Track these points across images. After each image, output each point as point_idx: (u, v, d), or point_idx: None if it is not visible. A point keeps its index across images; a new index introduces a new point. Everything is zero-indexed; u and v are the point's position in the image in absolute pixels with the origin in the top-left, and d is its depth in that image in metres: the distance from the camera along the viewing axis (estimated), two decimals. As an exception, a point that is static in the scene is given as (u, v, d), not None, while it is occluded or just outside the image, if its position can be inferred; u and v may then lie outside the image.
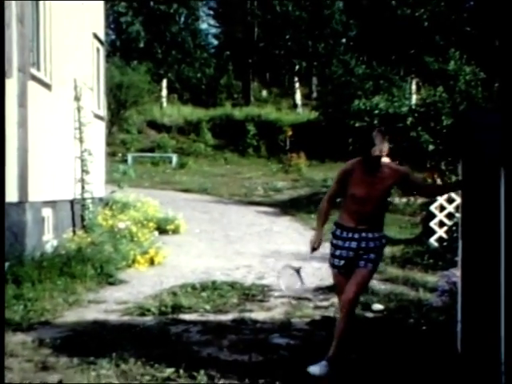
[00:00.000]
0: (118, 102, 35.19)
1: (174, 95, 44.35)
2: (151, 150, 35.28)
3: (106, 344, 7.05)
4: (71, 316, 8.53)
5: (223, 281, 10.80)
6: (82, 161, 13.94)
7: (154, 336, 7.46)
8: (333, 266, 6.57)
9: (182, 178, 28.80)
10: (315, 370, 6.17)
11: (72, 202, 13.67)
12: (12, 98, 10.49)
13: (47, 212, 12.05)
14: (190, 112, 39.58)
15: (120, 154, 33.30)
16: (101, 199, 15.92)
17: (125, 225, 13.45)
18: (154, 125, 38.25)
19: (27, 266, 10.14)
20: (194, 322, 8.20)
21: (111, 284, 10.53)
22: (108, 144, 17.96)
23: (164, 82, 43.34)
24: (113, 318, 8.48)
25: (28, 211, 10.69)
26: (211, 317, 8.56)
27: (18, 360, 6.56)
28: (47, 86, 12.04)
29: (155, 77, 40.20)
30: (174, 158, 33.39)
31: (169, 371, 6.22)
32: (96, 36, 16.32)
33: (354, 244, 6.39)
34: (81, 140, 13.91)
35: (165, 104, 42.21)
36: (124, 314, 8.70)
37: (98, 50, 16.59)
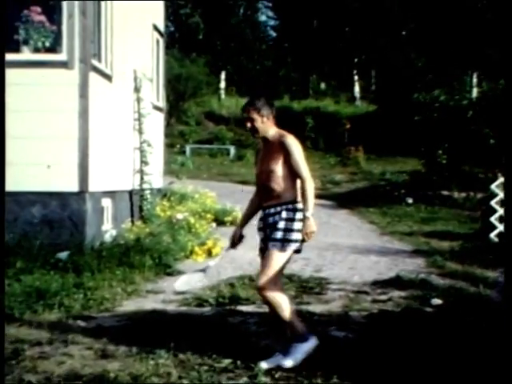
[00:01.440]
0: (177, 93, 35.40)
1: (233, 87, 44.43)
2: (209, 142, 35.41)
3: (164, 334, 7.09)
4: (130, 305, 8.60)
5: (281, 272, 10.77)
6: (141, 152, 14.05)
7: (212, 326, 7.48)
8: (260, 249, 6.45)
9: (240, 170, 28.87)
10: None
11: (131, 193, 13.79)
12: (73, 89, 10.62)
13: (107, 202, 12.17)
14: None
15: (178, 146, 33.48)
16: (159, 190, 16.02)
17: (183, 216, 13.51)
18: (213, 116, 38.38)
19: (87, 255, 10.25)
20: (252, 314, 8.19)
21: (169, 274, 10.59)
22: (166, 135, 18.05)
23: (223, 74, 43.44)
24: (171, 308, 8.53)
25: (88, 201, 10.80)
26: (268, 308, 8.53)
27: (79, 347, 6.62)
28: (108, 77, 12.15)
29: (214, 69, 40.32)
30: (232, 149, 33.48)
31: (226, 362, 6.22)
32: (156, 28, 16.41)
33: (260, 223, 6.30)
34: (140, 131, 14.01)
35: (223, 96, 42.32)
36: (182, 304, 8.74)
37: (157, 41, 16.69)
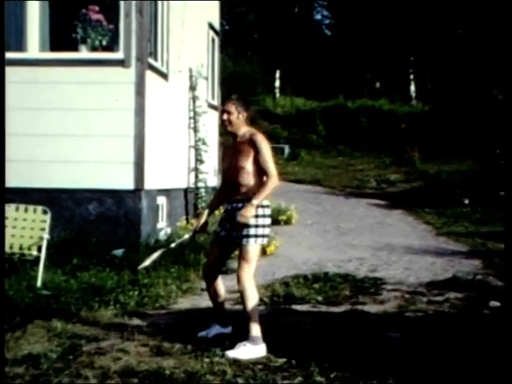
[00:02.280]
0: (232, 92, 35.45)
1: (287, 86, 44.35)
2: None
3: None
4: (184, 303, 8.62)
5: (335, 272, 10.72)
6: (196, 150, 14.11)
7: (267, 325, 7.45)
8: (216, 235, 6.78)
9: (294, 169, 28.78)
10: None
11: (185, 191, 13.84)
12: (130, 87, 10.68)
13: (162, 200, 12.24)
14: (303, 103, 39.48)
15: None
16: (214, 188, 16.04)
17: (237, 214, 13.48)
18: (267, 115, 38.32)
19: (142, 252, 10.29)
20: (306, 313, 8.15)
21: (223, 273, 10.55)
22: (221, 134, 18.04)
23: (277, 73, 43.40)
24: (225, 306, 8.50)
25: (143, 199, 10.87)
26: (323, 308, 8.50)
27: (134, 344, 6.65)
28: (164, 76, 12.21)
29: (268, 67, 40.30)
30: (287, 148, 33.40)
31: (281, 361, 6.20)
32: (211, 26, 16.46)
33: (226, 215, 6.60)
34: (195, 129, 14.08)
35: (278, 95, 42.29)
36: (236, 302, 8.71)
37: (213, 40, 16.74)
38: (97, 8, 10.92)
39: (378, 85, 46.97)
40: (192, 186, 14.00)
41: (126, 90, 10.67)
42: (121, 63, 10.70)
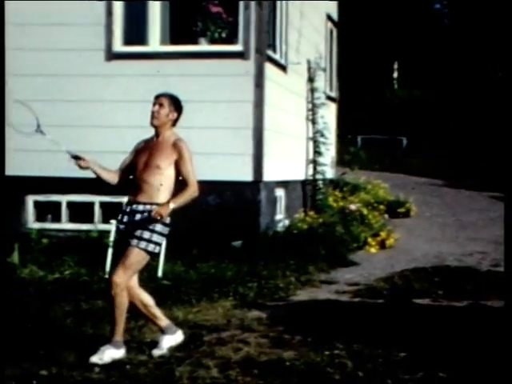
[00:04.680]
0: (350, 83, 35.23)
1: (406, 77, 43.79)
2: (381, 132, 35.05)
3: (339, 324, 7.05)
4: (303, 295, 8.60)
5: (456, 266, 10.50)
6: (315, 142, 14.05)
7: (386, 318, 7.37)
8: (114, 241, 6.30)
9: (413, 161, 28.41)
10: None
11: (303, 183, 13.82)
12: (249, 79, 10.71)
13: (280, 192, 12.24)
14: (422, 94, 38.92)
15: (350, 136, 33.33)
16: (331, 181, 15.98)
17: (356, 207, 13.41)
18: (385, 107, 37.97)
19: (260, 244, 10.34)
20: (427, 306, 8.01)
21: (342, 265, 10.51)
22: (338, 125, 17.96)
23: (395, 64, 42.90)
24: (344, 299, 8.46)
25: (262, 191, 10.87)
26: (444, 302, 8.32)
27: (255, 335, 6.67)
28: (282, 68, 12.19)
29: (387, 59, 39.89)
30: (405, 140, 33.03)
31: (402, 355, 6.10)
32: (330, 17, 16.37)
33: (124, 217, 6.07)
34: (313, 121, 14.02)
35: (396, 86, 41.81)
36: (355, 295, 8.65)
37: (331, 31, 16.64)
38: (216, 1, 10.99)
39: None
40: (310, 178, 13.95)
41: (244, 82, 10.70)
42: (240, 55, 10.73)
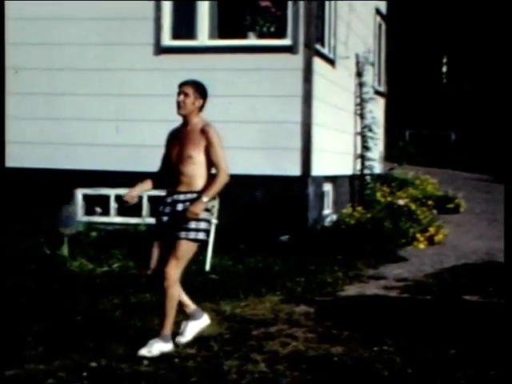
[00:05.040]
0: (398, 77, 34.98)
1: (455, 72, 43.33)
2: (430, 127, 34.73)
3: (387, 320, 7.01)
4: (351, 290, 8.55)
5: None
6: (363, 137, 13.97)
7: (436, 315, 7.30)
8: (155, 232, 6.22)
9: (461, 156, 28.11)
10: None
11: (351, 178, 13.75)
12: (297, 73, 10.67)
13: (328, 187, 12.19)
14: (470, 89, 38.45)
15: (398, 131, 33.09)
16: (379, 175, 15.88)
17: (404, 202, 13.29)
18: (434, 101, 37.61)
19: (308, 238, 10.31)
20: (477, 303, 7.92)
21: (390, 261, 10.43)
22: (386, 120, 17.84)
23: (444, 59, 42.47)
24: (392, 294, 8.40)
25: (310, 185, 10.84)
26: (495, 299, 8.21)
27: (302, 330, 6.65)
28: (331, 62, 12.14)
29: (436, 52, 39.51)
30: (453, 135, 32.70)
31: (452, 352, 6.04)
32: (378, 11, 16.26)
33: (166, 208, 6.07)
34: (362, 116, 13.94)
35: (444, 80, 41.39)
36: (403, 291, 8.58)
37: (379, 25, 16.52)
38: (265, -5, 10.97)
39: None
40: (358, 173, 13.88)
41: (293, 76, 10.67)
42: (288, 49, 10.69)
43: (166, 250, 6.01)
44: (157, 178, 6.30)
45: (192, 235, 5.95)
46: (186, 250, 5.96)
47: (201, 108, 6.20)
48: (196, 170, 6.01)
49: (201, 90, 6.21)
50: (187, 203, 5.97)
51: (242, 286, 8.31)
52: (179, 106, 6.12)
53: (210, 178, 6.06)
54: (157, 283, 6.02)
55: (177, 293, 6.01)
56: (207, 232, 6.09)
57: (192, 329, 6.21)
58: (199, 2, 10.88)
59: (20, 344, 6.08)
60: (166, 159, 6.23)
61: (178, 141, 6.13)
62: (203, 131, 6.04)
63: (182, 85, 6.21)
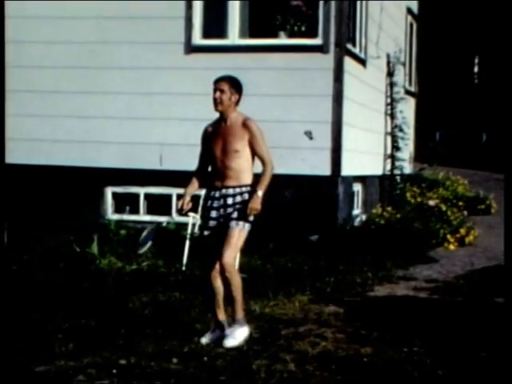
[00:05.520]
0: (429, 78, 34.80)
1: (486, 72, 43.02)
2: (460, 128, 34.52)
3: (417, 321, 6.96)
4: (381, 291, 8.52)
5: (539, 265, 10.26)
6: (393, 137, 13.91)
7: (466, 317, 7.25)
8: (206, 228, 6.27)
9: (493, 157, 27.87)
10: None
11: (381, 178, 13.69)
12: (328, 73, 10.63)
13: (357, 187, 12.15)
14: (502, 89, 38.20)
15: (429, 131, 32.90)
16: (409, 176, 15.79)
17: (434, 203, 13.22)
18: (465, 102, 37.38)
19: (338, 238, 10.27)
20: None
21: (420, 262, 10.37)
22: (417, 120, 17.73)
23: (476, 59, 42.19)
24: (422, 295, 8.35)
25: (340, 185, 10.80)
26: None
27: (332, 330, 6.63)
28: (361, 62, 12.09)
29: (467, 53, 39.27)
30: (484, 135, 32.47)
31: (482, 355, 5.98)
32: (410, 11, 16.17)
33: (215, 203, 6.18)
34: (392, 116, 13.87)
35: (476, 81, 41.12)
36: (434, 292, 8.53)
37: (411, 25, 16.43)
38: (296, -6, 10.95)
39: None
40: (387, 173, 13.82)
41: (324, 75, 10.62)
42: (319, 49, 10.65)
43: (219, 243, 6.13)
44: (200, 177, 6.41)
45: (244, 225, 6.13)
46: (238, 237, 6.12)
47: (237, 102, 6.27)
48: (242, 164, 6.14)
49: (236, 85, 6.28)
50: (237, 197, 6.13)
51: (271, 285, 8.30)
52: (216, 102, 6.20)
53: (251, 170, 6.21)
54: (221, 276, 6.15)
55: (239, 279, 6.21)
56: (252, 223, 6.23)
57: (210, 337, 6.25)
58: (230, 1, 10.87)
59: (50, 341, 6.11)
60: (206, 156, 6.32)
61: (219, 136, 6.21)
62: (245, 125, 6.15)
63: (217, 81, 6.28)
